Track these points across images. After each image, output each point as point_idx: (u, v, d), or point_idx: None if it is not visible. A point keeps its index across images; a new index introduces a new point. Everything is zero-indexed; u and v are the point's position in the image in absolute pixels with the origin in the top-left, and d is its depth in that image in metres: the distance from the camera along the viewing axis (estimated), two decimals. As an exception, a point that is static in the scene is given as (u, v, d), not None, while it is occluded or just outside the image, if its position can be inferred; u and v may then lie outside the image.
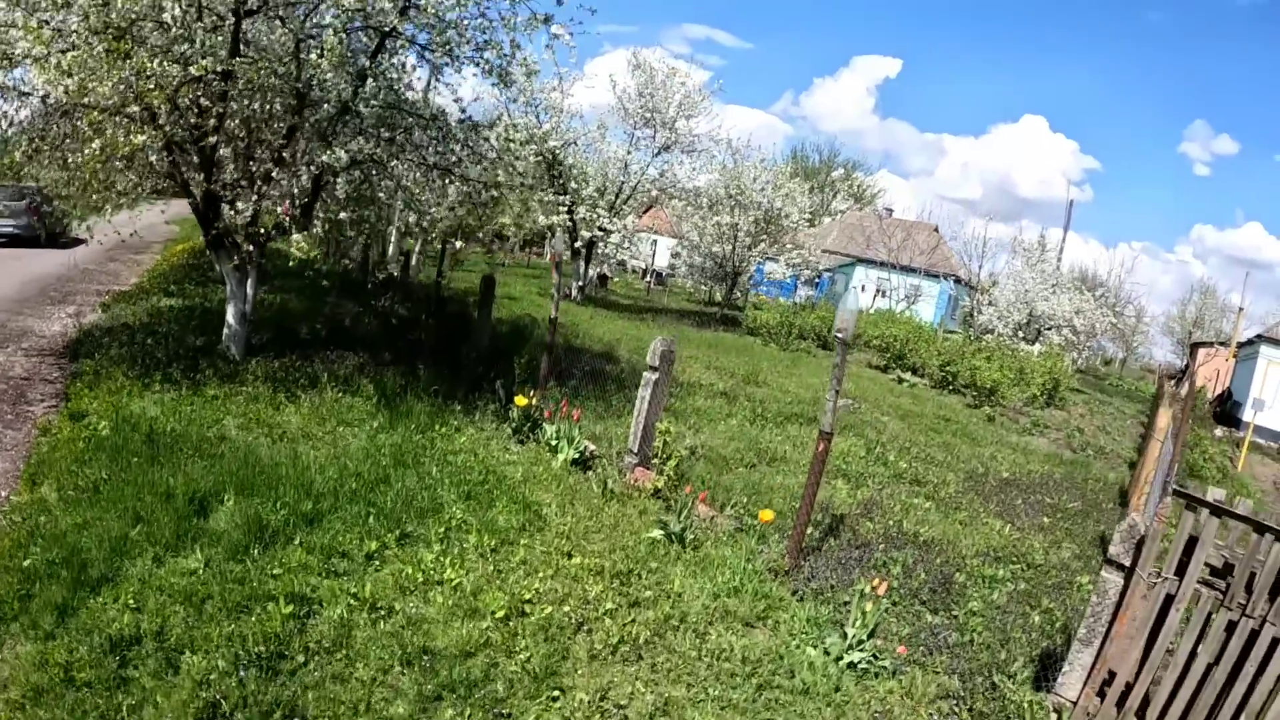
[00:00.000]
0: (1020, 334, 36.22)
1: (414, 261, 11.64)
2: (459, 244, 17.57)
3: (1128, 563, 6.00)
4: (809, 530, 8.16)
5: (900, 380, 23.48)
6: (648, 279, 44.13)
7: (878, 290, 53.24)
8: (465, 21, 10.64)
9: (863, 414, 15.80)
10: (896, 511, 10.09)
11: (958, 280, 47.44)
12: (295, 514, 7.02)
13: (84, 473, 7.47)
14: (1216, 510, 5.82)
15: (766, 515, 7.87)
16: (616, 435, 10.65)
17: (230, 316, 11.86)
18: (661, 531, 7.71)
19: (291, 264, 9.56)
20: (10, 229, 23.01)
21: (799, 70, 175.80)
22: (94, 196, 11.27)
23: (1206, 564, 6.15)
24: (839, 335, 7.39)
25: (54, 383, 10.97)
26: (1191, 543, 6.04)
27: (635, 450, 9.27)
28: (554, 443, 9.52)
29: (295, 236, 9.40)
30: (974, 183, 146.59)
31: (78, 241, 12.40)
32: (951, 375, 23.87)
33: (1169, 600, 6.03)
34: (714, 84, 28.95)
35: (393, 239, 10.34)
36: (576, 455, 9.34)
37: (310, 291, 16.57)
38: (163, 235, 29.73)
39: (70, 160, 10.25)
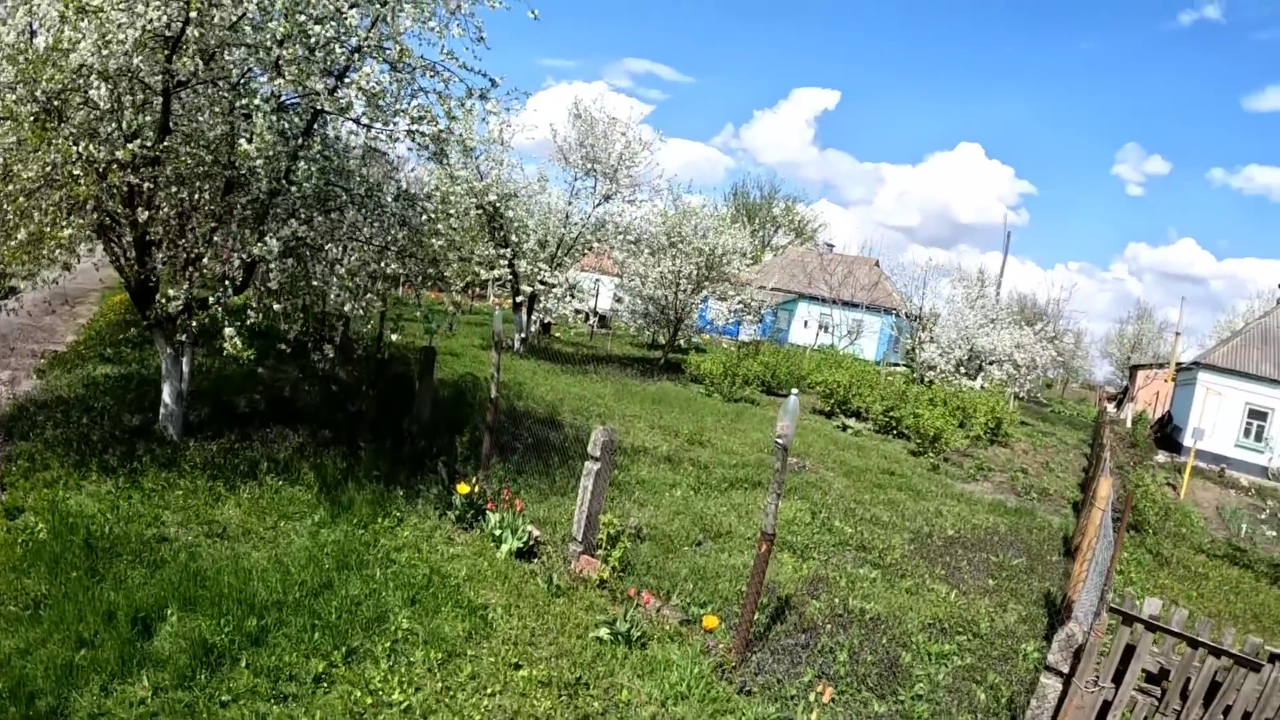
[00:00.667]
0: (962, 370, 36.73)
1: (355, 319, 11.54)
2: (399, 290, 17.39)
3: (1066, 670, 6.08)
4: (755, 615, 8.15)
5: (844, 427, 23.61)
6: (590, 322, 44.02)
7: (820, 326, 53.83)
8: (400, 99, 10.63)
9: (807, 474, 15.86)
10: (843, 586, 10.11)
11: (899, 314, 48.05)
12: (240, 632, 6.86)
13: (24, 585, 7.26)
14: (1152, 626, 5.93)
15: (710, 621, 7.85)
16: (561, 517, 10.53)
17: (167, 395, 11.61)
18: (608, 630, 7.64)
19: (220, 360, 9.35)
20: None
21: (739, 103, 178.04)
22: (24, 268, 11.06)
23: (1143, 670, 6.27)
24: (779, 441, 7.42)
25: (-12, 467, 10.67)
26: (1129, 651, 6.15)
27: (579, 539, 9.19)
28: (498, 533, 9.39)
29: (228, 331, 9.25)
30: (912, 210, 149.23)
31: (12, 291, 12.18)
32: (895, 420, 24.07)
33: (1106, 706, 6.13)
34: (655, 132, 29.30)
35: (331, 294, 10.26)
36: (521, 545, 9.22)
37: (251, 348, 15.98)
38: (99, 282, 29.13)
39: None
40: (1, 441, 11.41)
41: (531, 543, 9.44)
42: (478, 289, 39.26)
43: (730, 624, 8.27)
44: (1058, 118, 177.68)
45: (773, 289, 51.09)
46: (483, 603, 7.99)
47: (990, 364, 37.94)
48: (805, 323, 58.46)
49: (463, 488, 9.99)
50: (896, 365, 43.76)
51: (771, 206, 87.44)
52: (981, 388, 36.08)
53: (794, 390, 7.87)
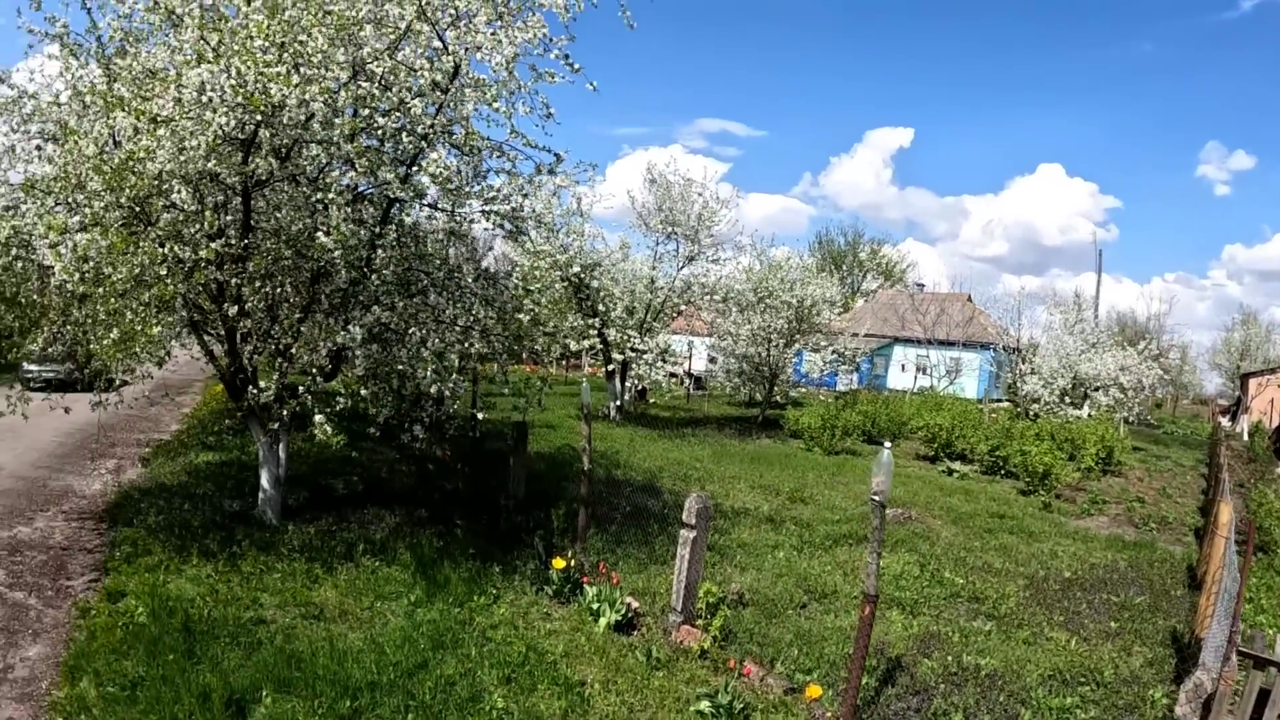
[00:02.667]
0: (1067, 399, 35.44)
1: (445, 401, 11.60)
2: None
3: (1197, 720, 5.67)
4: (862, 680, 7.81)
5: (949, 471, 22.98)
6: (686, 384, 43.79)
7: (918, 368, 52.88)
8: (470, 181, 10.76)
9: (913, 525, 15.39)
10: (955, 642, 9.67)
11: (997, 348, 46.89)
12: (333, 714, 6.84)
13: (123, 667, 7.38)
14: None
15: (814, 691, 7.55)
16: (661, 586, 10.34)
17: (264, 481, 11.83)
18: (709, 703, 7.38)
19: (317, 442, 9.53)
20: (50, 374, 23.30)
21: (815, 151, 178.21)
22: (120, 364, 11.41)
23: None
24: (875, 498, 7.15)
25: (93, 552, 10.96)
26: (1263, 696, 5.74)
27: (679, 609, 8.98)
28: (595, 606, 9.23)
29: (318, 419, 9.38)
30: (999, 239, 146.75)
31: (113, 385, 12.65)
32: (1001, 460, 23.33)
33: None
34: (732, 189, 29.16)
35: (421, 376, 10.38)
36: (619, 617, 9.04)
37: (345, 432, 16.53)
38: (200, 372, 30.00)
39: (93, 346, 10.38)
40: (106, 528, 11.76)
41: (630, 615, 9.26)
42: (571, 359, 39.42)
43: (837, 690, 7.94)
44: (1132, 126, 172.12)
45: (866, 335, 50.35)
46: (580, 679, 7.83)
47: (1095, 390, 36.57)
48: (902, 366, 57.58)
49: (559, 562, 9.89)
50: (999, 401, 42.52)
51: (857, 251, 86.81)
52: (1089, 416, 34.81)
53: (886, 444, 7.58)
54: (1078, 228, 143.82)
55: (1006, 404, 39.91)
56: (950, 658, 9.20)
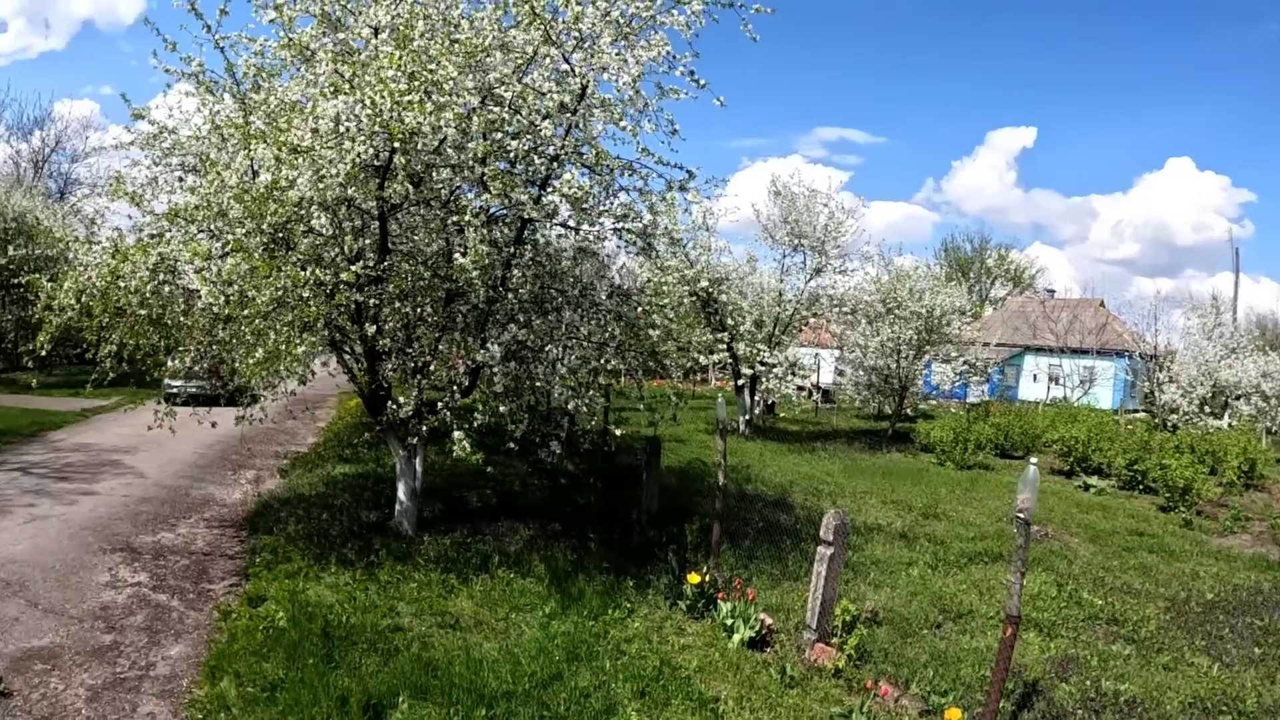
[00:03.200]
0: (1206, 409, 33.80)
1: (579, 417, 11.79)
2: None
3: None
4: (1000, 703, 7.60)
5: (1085, 487, 22.19)
6: (814, 398, 43.36)
7: (1050, 378, 51.32)
8: (602, 200, 10.91)
9: (1049, 543, 14.93)
10: (1094, 666, 9.32)
11: (1132, 356, 45.11)
12: (469, 721, 6.93)
13: (262, 669, 7.65)
14: None
15: (954, 715, 7.36)
16: (794, 603, 10.23)
17: (401, 493, 12.14)
18: (845, 723, 7.32)
19: (452, 457, 9.76)
20: (193, 389, 24.34)
21: (935, 156, 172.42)
22: (263, 381, 11.88)
23: None
24: (1020, 515, 6.94)
25: (234, 558, 11.43)
26: None
27: (814, 626, 8.88)
28: (729, 622, 9.20)
29: (456, 435, 9.59)
30: (1129, 241, 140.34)
31: (255, 400, 13.26)
32: (1139, 474, 22.41)
33: None
34: (857, 197, 28.97)
35: (555, 392, 10.59)
36: (753, 634, 9.00)
37: (480, 447, 16.57)
38: (335, 387, 30.98)
39: (237, 364, 10.84)
40: (246, 535, 12.25)
41: (764, 631, 9.21)
42: (699, 374, 39.42)
43: (973, 714, 7.76)
44: (1263, 113, 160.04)
45: (996, 344, 49.14)
46: (714, 695, 7.81)
47: (1236, 399, 34.74)
48: (1034, 376, 55.86)
49: (693, 577, 9.90)
50: (1135, 412, 40.89)
51: (984, 258, 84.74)
52: (1229, 426, 33.16)
53: (1032, 459, 7.36)
54: (1211, 225, 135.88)
55: (1142, 415, 38.40)
56: (1088, 682, 8.88)
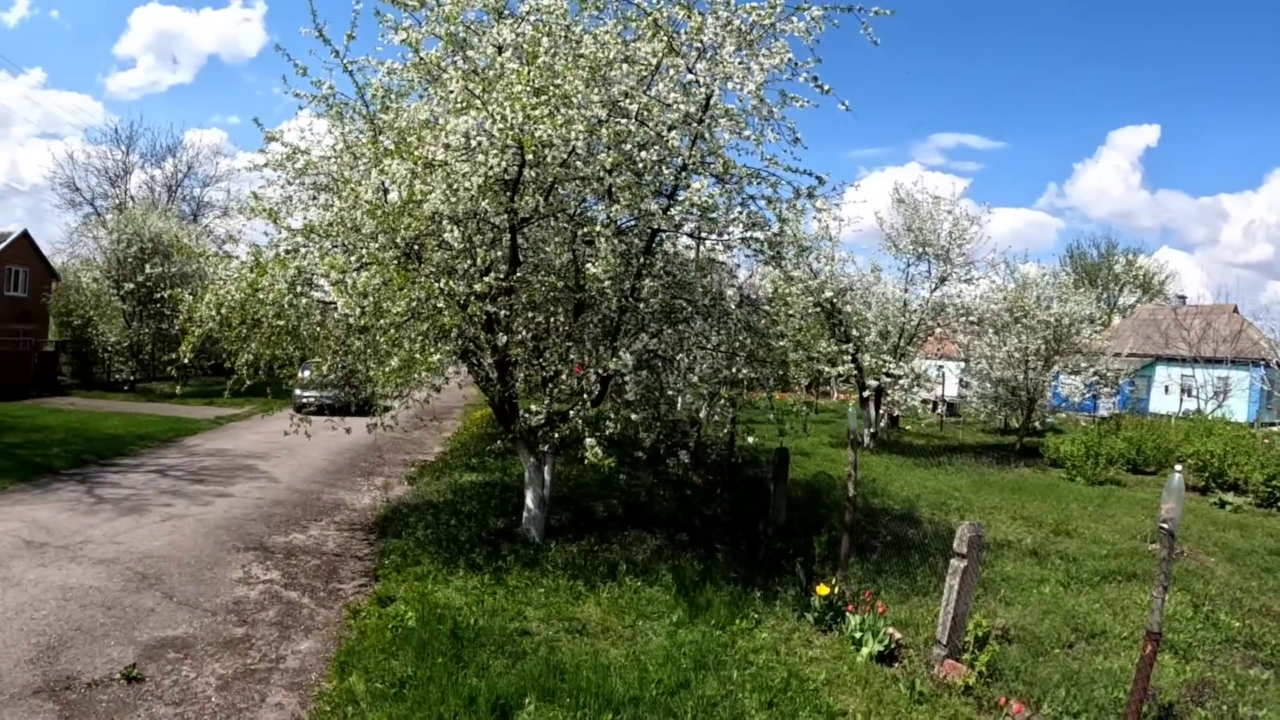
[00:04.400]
0: (1349, 420, 32.07)
1: (707, 426, 11.84)
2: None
3: None
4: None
5: (1222, 504, 21.30)
6: (938, 411, 42.56)
7: (1182, 390, 49.36)
8: (730, 209, 10.92)
9: (1185, 561, 14.36)
10: (1231, 691, 8.90)
11: (1269, 365, 43.05)
12: (596, 725, 6.98)
13: (391, 666, 7.87)
14: None
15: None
16: (923, 618, 10.07)
17: (529, 500, 12.32)
18: (979, 742, 7.16)
19: (585, 462, 9.88)
20: (324, 399, 25.12)
21: (1057, 159, 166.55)
22: (395, 389, 12.20)
23: None
24: (1164, 526, 6.72)
25: (363, 559, 11.79)
26: None
27: (944, 641, 8.71)
28: (857, 635, 9.10)
29: (589, 441, 9.71)
30: (1262, 243, 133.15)
31: (386, 409, 13.71)
32: (1278, 490, 21.45)
33: None
34: (981, 204, 28.26)
35: (681, 400, 10.68)
36: (881, 648, 8.88)
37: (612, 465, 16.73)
38: (461, 399, 31.66)
39: (371, 373, 11.15)
40: (375, 538, 12.58)
41: (892, 646, 9.07)
42: (822, 387, 39.10)
43: (1111, 734, 7.51)
44: None
45: (1127, 355, 47.50)
46: (841, 708, 7.73)
47: (1384, 410, 32.86)
48: (1166, 388, 53.78)
49: (822, 589, 9.81)
50: (1272, 425, 39.01)
51: (1111, 263, 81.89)
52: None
53: (1177, 467, 7.11)
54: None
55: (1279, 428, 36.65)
56: (1225, 707, 8.49)
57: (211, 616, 9.18)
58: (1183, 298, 64.59)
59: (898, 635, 9.33)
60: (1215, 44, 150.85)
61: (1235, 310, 54.57)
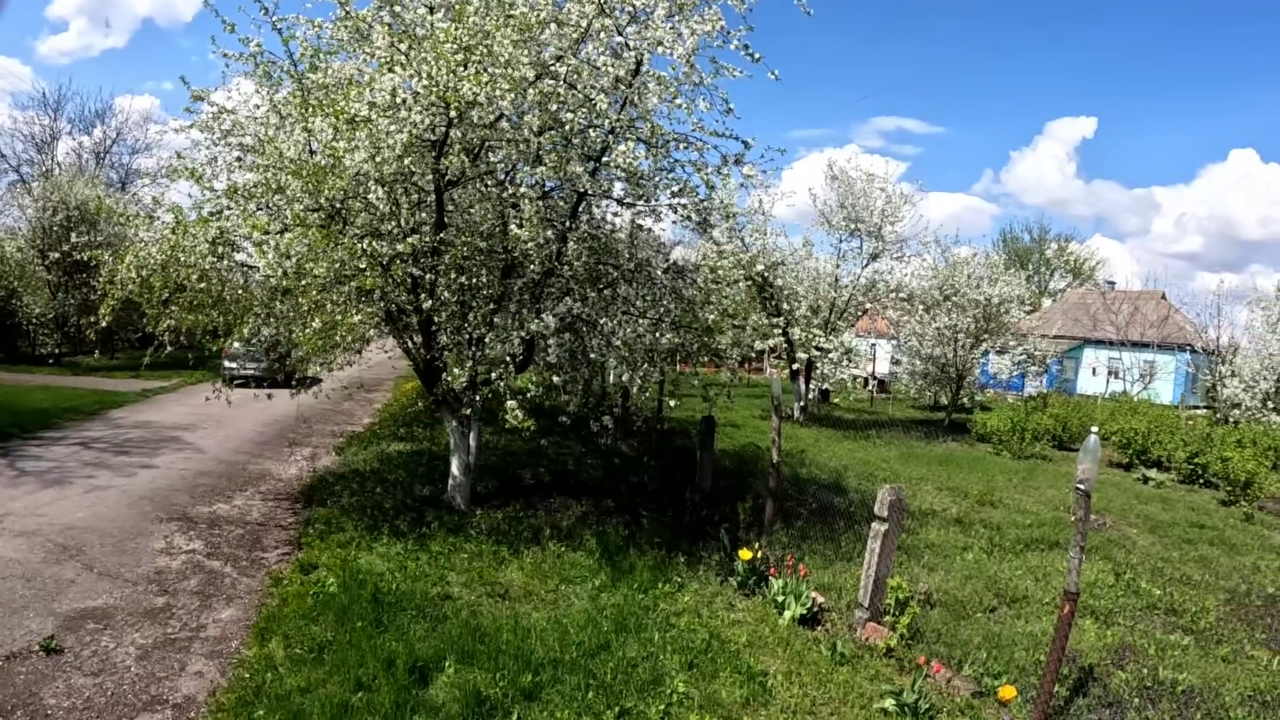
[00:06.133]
0: (1270, 404, 32.85)
1: (633, 391, 11.76)
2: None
3: None
4: (1055, 688, 7.46)
5: (1145, 480, 21.79)
6: (869, 387, 43.03)
7: (1109, 372, 50.40)
8: (657, 174, 10.87)
9: (1108, 532, 14.67)
10: (1151, 655, 9.11)
11: (1194, 350, 44.09)
12: (515, 686, 6.98)
13: (311, 631, 7.80)
14: None
15: (1008, 692, 7.23)
16: (846, 583, 10.16)
17: (455, 468, 12.23)
18: (894, 702, 7.19)
19: (508, 427, 9.80)
20: (251, 371, 24.73)
21: (994, 146, 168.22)
22: (321, 356, 12.03)
23: None
24: (1080, 486, 6.81)
25: (287, 529, 11.62)
26: None
27: (866, 604, 8.78)
28: (780, 599, 9.14)
29: (510, 404, 9.63)
30: (1193, 234, 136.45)
31: (315, 380, 13.46)
32: (1200, 468, 21.97)
33: None
34: (915, 183, 28.51)
35: (611, 369, 10.60)
36: (804, 611, 8.93)
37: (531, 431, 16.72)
38: (392, 371, 31.34)
39: (295, 335, 10.96)
40: (301, 507, 12.44)
41: (815, 609, 9.13)
42: (753, 361, 39.31)
43: (1026, 696, 7.61)
44: None
45: (1055, 336, 48.27)
46: (762, 669, 7.76)
47: (1301, 395, 33.70)
48: (1093, 370, 54.92)
49: (745, 553, 9.83)
50: (1196, 408, 39.94)
51: (1044, 249, 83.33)
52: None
53: (1093, 429, 7.22)
54: (1278, 219, 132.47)
55: (1203, 411, 37.51)
56: (1145, 671, 8.66)
57: (133, 587, 8.99)
58: (1112, 283, 65.91)
59: (820, 599, 9.40)
60: (1154, 40, 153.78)
61: (1163, 297, 55.76)
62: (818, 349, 26.39)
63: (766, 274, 24.18)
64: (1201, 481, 21.73)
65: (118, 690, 6.76)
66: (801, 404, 27.95)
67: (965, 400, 33.45)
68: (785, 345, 26.60)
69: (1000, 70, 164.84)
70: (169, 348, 11.12)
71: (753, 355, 29.68)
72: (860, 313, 29.49)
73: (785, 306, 25.43)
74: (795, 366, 27.58)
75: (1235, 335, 36.48)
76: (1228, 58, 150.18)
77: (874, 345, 42.96)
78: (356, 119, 9.16)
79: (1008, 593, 10.75)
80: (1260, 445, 23.79)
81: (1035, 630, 9.44)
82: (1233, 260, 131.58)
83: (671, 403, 11.83)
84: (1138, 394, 42.85)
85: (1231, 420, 31.57)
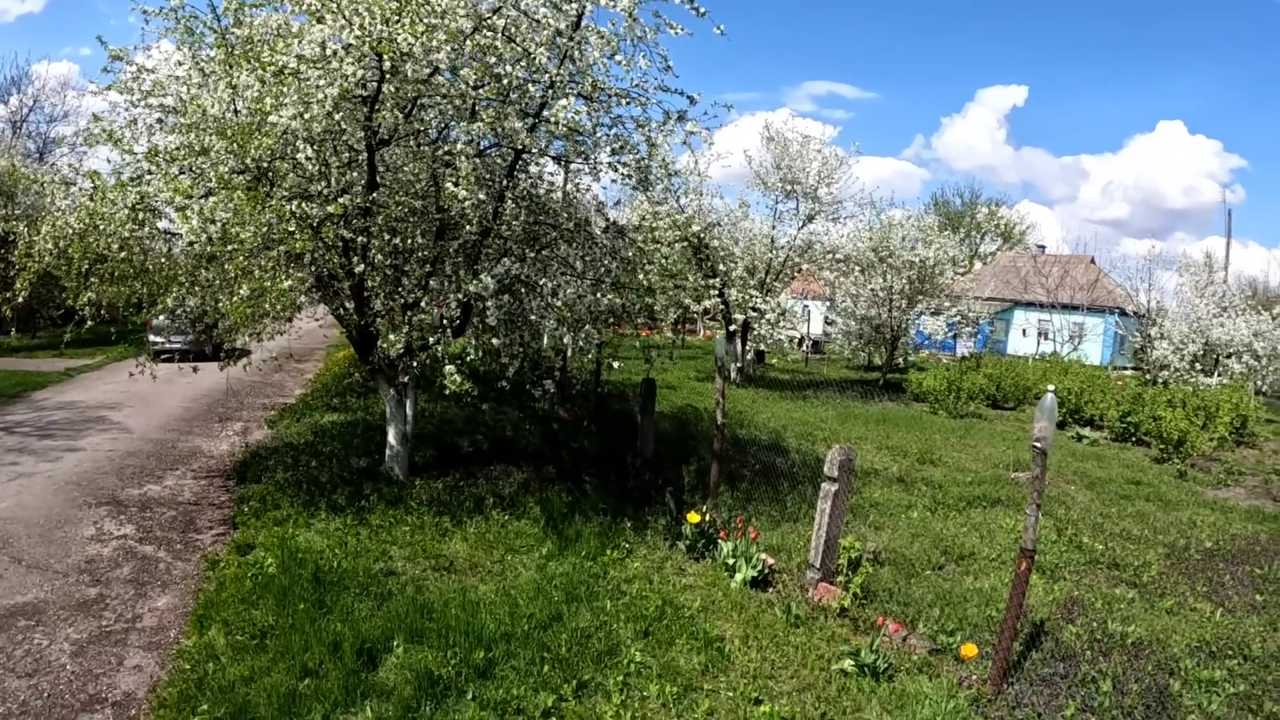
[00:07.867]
0: (1198, 366, 33.72)
1: (569, 354, 11.55)
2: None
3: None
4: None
5: (1079, 438, 22.16)
6: (804, 348, 43.27)
7: (1040, 333, 51.30)
8: (597, 130, 10.57)
9: (1047, 489, 14.79)
10: (1099, 608, 9.16)
11: (1123, 313, 44.97)
12: (466, 664, 6.76)
13: (252, 616, 7.50)
14: None
15: (970, 650, 7.19)
16: (795, 544, 10.08)
17: (391, 437, 11.91)
18: (852, 662, 7.11)
19: (447, 392, 9.51)
20: (177, 345, 24.02)
21: (926, 113, 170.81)
22: (249, 325, 11.60)
23: None
24: (1037, 445, 6.73)
25: (222, 508, 11.27)
26: None
27: (817, 565, 8.69)
28: (731, 562, 9.02)
29: (448, 369, 9.33)
30: (1119, 202, 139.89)
31: (244, 353, 13.02)
32: (1133, 426, 22.39)
33: None
34: (850, 145, 28.49)
35: (547, 331, 10.32)
36: (755, 574, 8.80)
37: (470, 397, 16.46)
38: (323, 340, 30.76)
39: (221, 304, 10.51)
40: (234, 485, 12.05)
41: (766, 571, 9.01)
42: (687, 324, 39.29)
43: (984, 652, 7.57)
44: (1256, 80, 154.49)
45: (987, 298, 48.93)
46: (718, 634, 7.63)
47: (1228, 358, 34.63)
48: (1024, 331, 55.85)
49: (693, 517, 9.69)
50: (1124, 369, 40.82)
51: (974, 213, 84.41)
52: (1219, 385, 33.08)
53: (1050, 388, 7.15)
54: (1202, 189, 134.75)
55: (1132, 372, 38.30)
56: (1094, 624, 8.71)
57: (63, 578, 8.57)
58: (1042, 247, 67.08)
59: (771, 561, 9.28)
60: (1087, 11, 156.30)
61: (1092, 261, 56.84)
62: (754, 310, 26.34)
63: (703, 235, 24.08)
64: (1134, 440, 22.13)
65: (54, 691, 6.43)
66: (738, 365, 27.95)
67: (900, 360, 33.78)
68: (721, 306, 26.52)
69: (933, 37, 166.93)
70: (90, 322, 10.60)
71: (690, 317, 29.64)
72: (796, 273, 29.48)
73: (721, 268, 25.33)
74: (732, 328, 27.51)
75: (1163, 300, 37.33)
76: (1160, 31, 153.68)
77: (807, 307, 43.13)
78: (284, 71, 8.73)
79: (954, 550, 10.77)
80: (1190, 405, 24.30)
81: (984, 587, 9.46)
82: (1158, 228, 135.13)
83: (615, 364, 11.60)
84: (1068, 355, 43.62)
85: (1160, 381, 32.29)
